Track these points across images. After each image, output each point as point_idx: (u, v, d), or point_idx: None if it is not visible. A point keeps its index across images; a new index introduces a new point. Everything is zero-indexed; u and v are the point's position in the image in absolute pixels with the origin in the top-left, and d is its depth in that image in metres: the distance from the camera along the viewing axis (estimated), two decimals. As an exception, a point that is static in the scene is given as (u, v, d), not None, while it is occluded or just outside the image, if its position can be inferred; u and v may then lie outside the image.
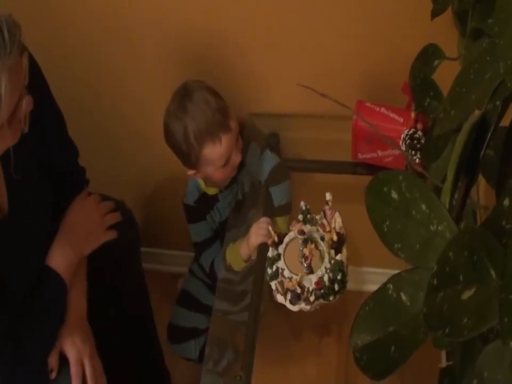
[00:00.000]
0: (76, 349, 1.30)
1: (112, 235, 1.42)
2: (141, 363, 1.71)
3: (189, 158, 1.42)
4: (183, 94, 1.39)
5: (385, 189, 0.74)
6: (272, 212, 1.52)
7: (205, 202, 1.56)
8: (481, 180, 0.90)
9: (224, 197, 1.56)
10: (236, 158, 1.45)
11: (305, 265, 1.27)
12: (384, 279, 0.78)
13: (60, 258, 1.31)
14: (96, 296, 1.44)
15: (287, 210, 1.55)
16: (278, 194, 1.54)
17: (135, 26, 1.54)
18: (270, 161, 1.53)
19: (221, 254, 1.53)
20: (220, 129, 1.38)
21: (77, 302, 1.34)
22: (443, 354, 1.24)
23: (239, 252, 1.45)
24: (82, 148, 1.83)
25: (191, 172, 1.47)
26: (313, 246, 1.30)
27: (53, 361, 1.29)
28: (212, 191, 1.55)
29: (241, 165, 1.51)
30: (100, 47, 1.61)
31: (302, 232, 1.28)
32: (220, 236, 1.59)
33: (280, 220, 1.54)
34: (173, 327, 1.83)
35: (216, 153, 1.40)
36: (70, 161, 1.46)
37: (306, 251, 1.26)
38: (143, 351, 1.70)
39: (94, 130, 1.81)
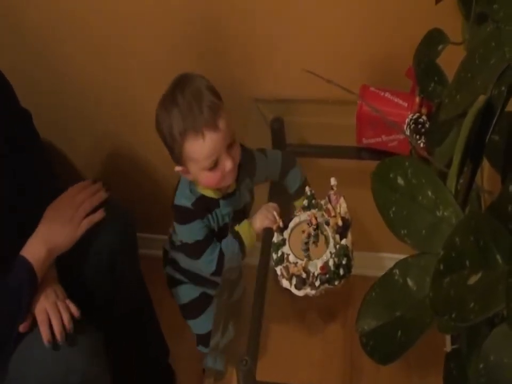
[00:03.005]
0: (40, 304, 1.34)
1: (88, 224, 1.42)
2: (140, 361, 1.74)
3: (173, 151, 1.35)
4: (177, 84, 1.33)
5: (391, 175, 0.75)
6: (279, 197, 1.50)
7: (204, 205, 1.44)
8: (485, 165, 0.90)
9: (226, 205, 1.46)
10: (227, 164, 1.33)
11: (312, 232, 1.29)
12: (389, 264, 0.78)
13: (31, 253, 1.34)
14: (89, 295, 1.48)
15: (302, 191, 1.51)
16: (291, 182, 1.52)
17: (137, 11, 1.54)
18: (276, 157, 1.51)
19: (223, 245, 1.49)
20: (203, 125, 1.28)
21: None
22: (448, 338, 1.25)
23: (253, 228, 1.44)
24: (86, 140, 1.84)
25: (178, 168, 1.38)
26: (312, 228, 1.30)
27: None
28: (211, 193, 1.44)
29: (246, 174, 1.46)
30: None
31: (308, 236, 1.29)
32: (217, 239, 1.50)
33: (298, 203, 1.51)
34: (183, 306, 1.74)
35: (199, 150, 1.30)
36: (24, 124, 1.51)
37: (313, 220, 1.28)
38: (141, 349, 1.72)
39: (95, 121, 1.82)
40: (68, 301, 1.37)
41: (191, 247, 1.46)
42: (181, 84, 1.32)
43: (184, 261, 1.59)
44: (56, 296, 1.36)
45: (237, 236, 1.44)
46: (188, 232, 1.45)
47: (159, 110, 1.33)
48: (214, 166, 1.32)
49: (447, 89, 0.96)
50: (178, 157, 1.35)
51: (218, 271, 1.46)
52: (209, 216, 1.44)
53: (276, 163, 1.50)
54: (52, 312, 1.33)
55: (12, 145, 1.42)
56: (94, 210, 1.45)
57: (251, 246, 1.45)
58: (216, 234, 1.47)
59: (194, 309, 1.68)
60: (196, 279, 1.63)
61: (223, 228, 1.47)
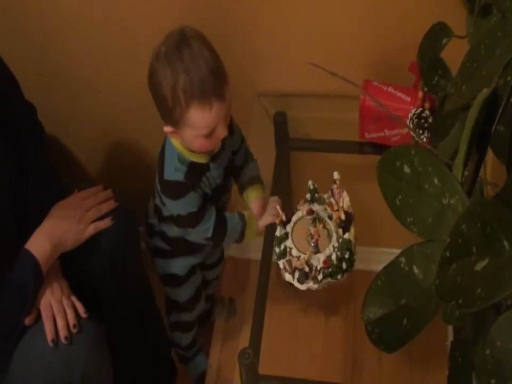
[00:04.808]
0: (46, 299, 1.34)
1: (94, 229, 1.42)
2: (141, 356, 1.73)
3: (172, 113, 1.22)
4: (180, 40, 1.19)
5: (397, 163, 0.75)
6: (281, 191, 1.49)
7: (195, 174, 1.35)
8: (489, 157, 0.91)
9: (215, 167, 1.37)
10: (221, 132, 1.26)
11: (312, 244, 1.28)
12: (392, 259, 0.79)
13: (36, 246, 1.34)
14: (92, 292, 1.47)
15: (261, 180, 1.47)
16: (249, 170, 1.47)
17: (138, 6, 1.54)
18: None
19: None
20: (213, 94, 1.19)
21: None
22: (450, 331, 1.26)
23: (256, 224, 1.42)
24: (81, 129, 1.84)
25: (168, 129, 1.27)
26: (320, 226, 1.31)
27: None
28: (201, 158, 1.34)
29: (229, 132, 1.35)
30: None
31: (310, 212, 1.29)
32: (211, 200, 1.42)
33: (251, 195, 1.46)
34: (167, 276, 1.64)
35: (203, 119, 1.21)
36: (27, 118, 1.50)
37: (313, 231, 1.28)
38: (143, 343, 1.72)
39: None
40: (73, 298, 1.37)
41: (185, 218, 1.39)
42: (184, 39, 1.20)
43: (174, 230, 1.51)
44: (61, 291, 1.36)
45: (243, 220, 1.41)
46: (182, 206, 1.37)
47: (158, 66, 1.21)
48: (210, 133, 1.25)
49: (453, 80, 0.97)
50: (175, 120, 1.24)
51: (214, 238, 1.42)
52: (202, 183, 1.37)
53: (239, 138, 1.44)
54: (57, 309, 1.32)
55: (16, 141, 1.42)
56: (101, 218, 1.45)
57: (251, 237, 1.44)
58: (210, 197, 1.40)
59: (179, 279, 1.62)
60: (185, 248, 1.55)
61: (216, 188, 1.40)
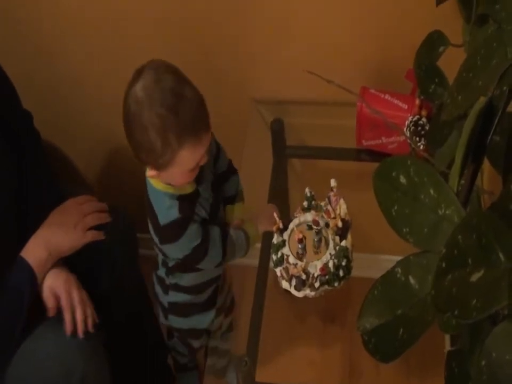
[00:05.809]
0: (51, 290, 1.34)
1: (92, 237, 1.42)
2: (139, 361, 1.74)
3: (160, 158, 1.13)
4: (156, 79, 1.10)
5: (393, 173, 0.75)
6: (277, 198, 1.49)
7: (188, 204, 1.27)
8: (485, 166, 0.91)
9: (204, 189, 1.31)
10: (204, 159, 1.20)
11: (299, 246, 1.29)
12: (389, 266, 0.79)
13: (32, 254, 1.34)
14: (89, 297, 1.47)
15: (242, 197, 1.47)
16: (232, 185, 1.46)
17: (136, 12, 1.54)
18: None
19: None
20: (202, 128, 1.13)
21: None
22: (447, 339, 1.26)
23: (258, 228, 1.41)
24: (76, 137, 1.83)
25: (152, 173, 1.19)
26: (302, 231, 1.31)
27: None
28: (188, 189, 1.28)
29: None
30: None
31: (316, 223, 1.29)
32: (212, 222, 1.36)
33: (239, 206, 1.47)
34: (186, 331, 1.63)
35: (194, 155, 1.15)
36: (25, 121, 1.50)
37: (296, 234, 1.28)
38: (141, 349, 1.73)
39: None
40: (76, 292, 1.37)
41: (192, 255, 1.32)
42: (159, 77, 1.11)
43: (185, 279, 1.46)
44: (66, 283, 1.36)
45: (243, 230, 1.40)
46: (185, 244, 1.30)
47: (141, 108, 1.10)
48: (196, 166, 1.19)
49: (449, 90, 0.97)
50: (163, 163, 1.15)
51: (226, 259, 1.38)
52: (196, 210, 1.29)
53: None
54: (78, 301, 1.34)
55: (16, 141, 1.42)
56: (97, 228, 1.44)
57: (253, 244, 1.42)
58: (209, 221, 1.33)
59: (201, 332, 1.62)
60: (202, 289, 1.50)
61: (211, 209, 1.34)
